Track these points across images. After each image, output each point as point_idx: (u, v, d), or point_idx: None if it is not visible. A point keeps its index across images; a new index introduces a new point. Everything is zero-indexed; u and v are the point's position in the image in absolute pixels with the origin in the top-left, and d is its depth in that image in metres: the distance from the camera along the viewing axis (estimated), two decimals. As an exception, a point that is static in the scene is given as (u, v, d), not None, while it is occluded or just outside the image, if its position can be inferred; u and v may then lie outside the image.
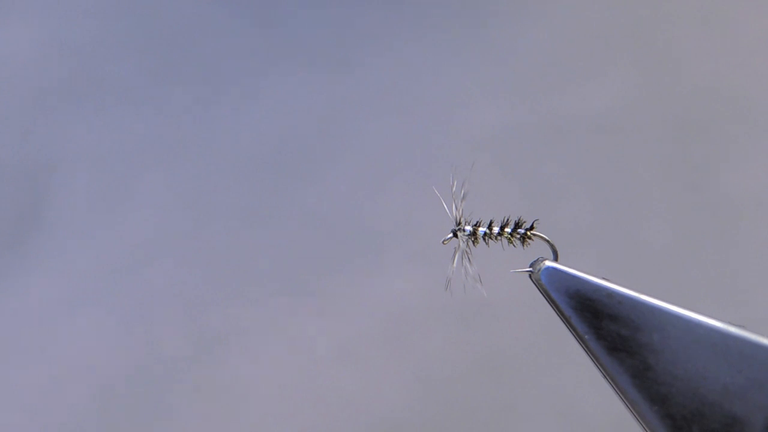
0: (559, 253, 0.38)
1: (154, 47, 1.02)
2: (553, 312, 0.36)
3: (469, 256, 0.41)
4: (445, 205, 0.41)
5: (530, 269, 0.37)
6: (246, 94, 0.97)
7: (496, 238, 0.41)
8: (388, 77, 0.97)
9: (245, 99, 0.97)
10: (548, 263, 0.36)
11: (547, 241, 0.39)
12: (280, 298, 0.85)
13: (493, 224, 0.41)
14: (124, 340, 0.84)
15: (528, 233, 0.40)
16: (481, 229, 0.41)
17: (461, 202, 0.41)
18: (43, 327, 0.86)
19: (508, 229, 0.41)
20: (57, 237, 0.90)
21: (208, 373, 0.82)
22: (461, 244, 0.41)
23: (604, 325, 0.34)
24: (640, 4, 1.00)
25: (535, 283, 0.36)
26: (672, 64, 0.95)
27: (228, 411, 0.81)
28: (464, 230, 0.41)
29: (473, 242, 0.41)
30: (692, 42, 0.96)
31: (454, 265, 0.41)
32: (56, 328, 0.85)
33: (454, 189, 0.41)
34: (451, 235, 0.42)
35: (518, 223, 0.41)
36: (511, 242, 0.41)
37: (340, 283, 0.85)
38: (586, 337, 0.35)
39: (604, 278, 0.35)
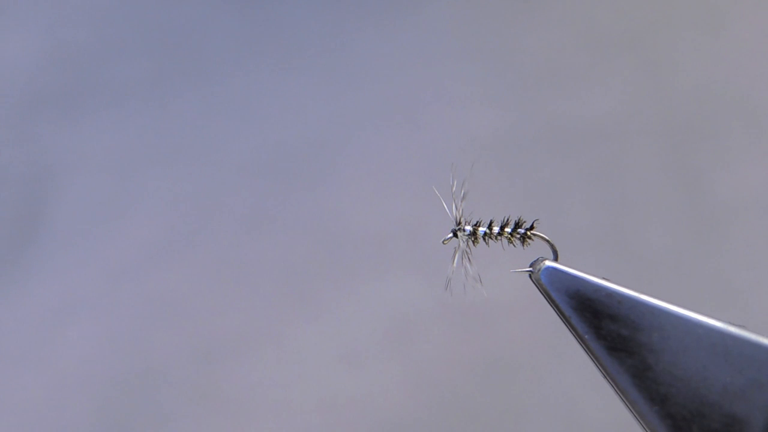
0: (559, 253, 0.38)
1: (155, 51, 1.01)
2: (553, 312, 0.36)
3: (469, 256, 0.41)
4: (445, 205, 0.41)
5: (530, 269, 0.37)
6: (247, 99, 0.97)
7: (496, 238, 0.41)
8: (387, 80, 0.97)
9: (246, 105, 0.97)
10: (548, 263, 0.36)
11: (547, 241, 0.39)
12: (281, 302, 0.85)
13: (493, 224, 0.41)
14: (124, 347, 0.84)
15: (528, 233, 0.40)
16: (481, 229, 0.41)
17: (461, 202, 0.41)
18: (43, 333, 0.85)
19: (508, 229, 0.41)
20: (57, 243, 0.90)
21: (209, 380, 0.82)
22: (461, 244, 0.41)
23: (604, 325, 0.34)
24: (639, 8, 1.00)
25: (535, 283, 0.36)
26: (671, 68, 0.95)
27: (229, 417, 0.80)
28: (464, 230, 0.41)
29: (473, 242, 0.41)
30: (691, 47, 0.96)
31: (454, 265, 0.41)
32: (56, 334, 0.85)
33: (454, 189, 0.41)
34: (451, 235, 0.41)
35: (518, 223, 0.41)
36: (511, 242, 0.41)
37: (340, 286, 0.85)
38: (586, 337, 0.35)
39: (604, 278, 0.35)
